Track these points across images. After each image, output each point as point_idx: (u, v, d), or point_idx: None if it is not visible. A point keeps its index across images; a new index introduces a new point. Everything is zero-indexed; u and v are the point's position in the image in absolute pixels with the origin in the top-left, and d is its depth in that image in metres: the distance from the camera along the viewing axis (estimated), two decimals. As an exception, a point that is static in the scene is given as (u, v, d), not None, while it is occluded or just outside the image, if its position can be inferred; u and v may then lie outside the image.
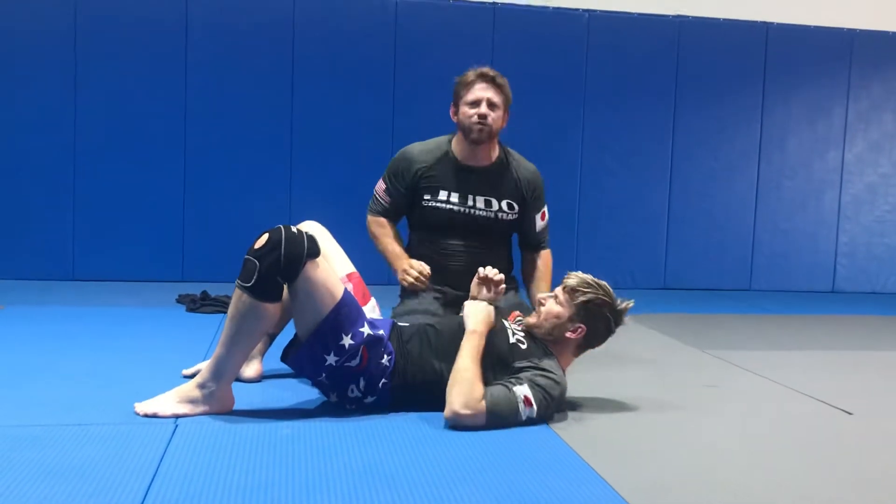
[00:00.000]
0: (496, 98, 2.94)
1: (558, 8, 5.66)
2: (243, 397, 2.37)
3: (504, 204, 3.03)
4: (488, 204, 3.01)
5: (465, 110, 2.94)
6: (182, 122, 5.20)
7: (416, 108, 5.47)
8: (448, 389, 2.24)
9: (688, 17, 5.82)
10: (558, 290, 2.43)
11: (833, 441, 2.34)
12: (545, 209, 3.14)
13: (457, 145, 3.03)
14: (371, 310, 2.56)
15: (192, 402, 2.23)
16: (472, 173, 3.00)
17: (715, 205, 5.97)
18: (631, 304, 2.43)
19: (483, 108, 2.91)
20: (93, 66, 5.08)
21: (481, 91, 2.93)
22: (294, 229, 2.21)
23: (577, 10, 5.68)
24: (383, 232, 3.08)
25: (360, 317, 2.29)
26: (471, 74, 2.97)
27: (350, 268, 2.64)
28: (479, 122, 2.91)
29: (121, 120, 5.13)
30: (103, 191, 5.13)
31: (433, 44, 5.47)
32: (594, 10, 5.69)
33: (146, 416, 2.20)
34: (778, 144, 6.01)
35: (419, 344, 2.40)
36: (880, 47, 6.06)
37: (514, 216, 3.06)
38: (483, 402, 2.20)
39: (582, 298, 2.36)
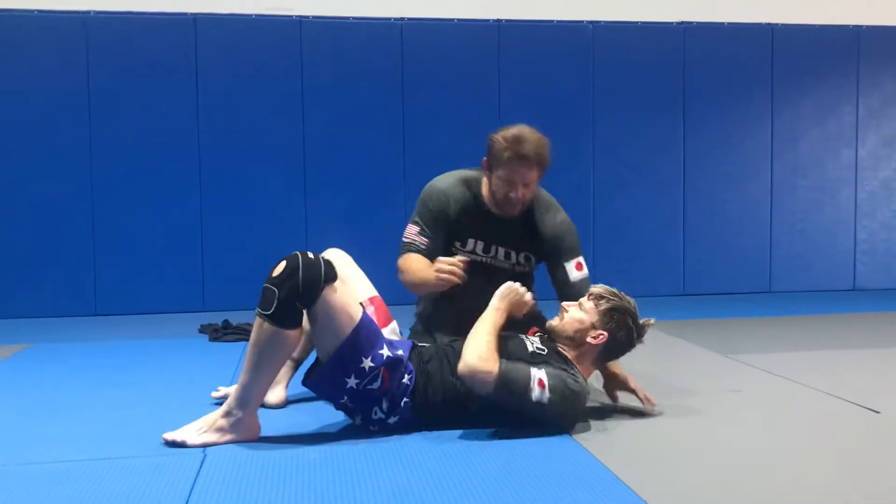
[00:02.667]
0: (532, 176, 2.68)
1: (562, 21, 5.70)
2: (269, 424, 2.39)
3: (521, 256, 2.86)
4: (507, 255, 2.85)
5: (498, 183, 2.69)
6: (196, 155, 5.26)
7: (427, 127, 5.51)
8: (464, 348, 2.30)
9: (692, 23, 5.83)
10: (583, 298, 2.50)
11: (861, 441, 2.32)
12: (580, 259, 2.81)
13: (486, 192, 2.80)
14: (391, 332, 2.58)
15: (220, 430, 2.25)
16: (497, 222, 2.80)
17: (729, 209, 5.96)
18: (652, 322, 2.49)
19: (518, 193, 2.68)
20: (106, 104, 5.15)
21: (518, 175, 2.66)
22: (310, 255, 2.22)
23: (580, 21, 5.71)
24: (408, 262, 2.73)
25: (378, 339, 2.31)
26: (507, 150, 2.63)
27: (372, 292, 2.67)
28: (510, 202, 2.71)
29: (136, 156, 5.19)
30: (122, 227, 5.19)
31: (440, 63, 5.52)
32: (598, 21, 5.72)
33: (174, 445, 2.22)
34: (790, 145, 6.00)
35: (439, 363, 2.41)
36: (888, 42, 6.05)
37: (530, 268, 2.93)
38: (497, 363, 2.24)
39: (606, 306, 2.43)
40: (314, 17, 5.40)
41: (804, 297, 5.78)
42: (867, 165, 6.10)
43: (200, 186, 5.28)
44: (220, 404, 2.37)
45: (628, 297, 2.48)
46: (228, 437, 2.25)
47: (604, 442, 2.26)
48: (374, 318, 2.44)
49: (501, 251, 2.83)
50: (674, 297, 5.82)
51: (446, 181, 2.82)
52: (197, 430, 2.26)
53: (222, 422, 2.26)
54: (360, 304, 2.39)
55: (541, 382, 2.25)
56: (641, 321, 2.46)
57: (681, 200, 5.89)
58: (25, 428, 2.48)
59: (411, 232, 2.77)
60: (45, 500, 1.84)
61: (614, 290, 2.48)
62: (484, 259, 2.84)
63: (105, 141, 5.16)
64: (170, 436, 2.25)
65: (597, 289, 2.49)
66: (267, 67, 5.34)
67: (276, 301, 2.17)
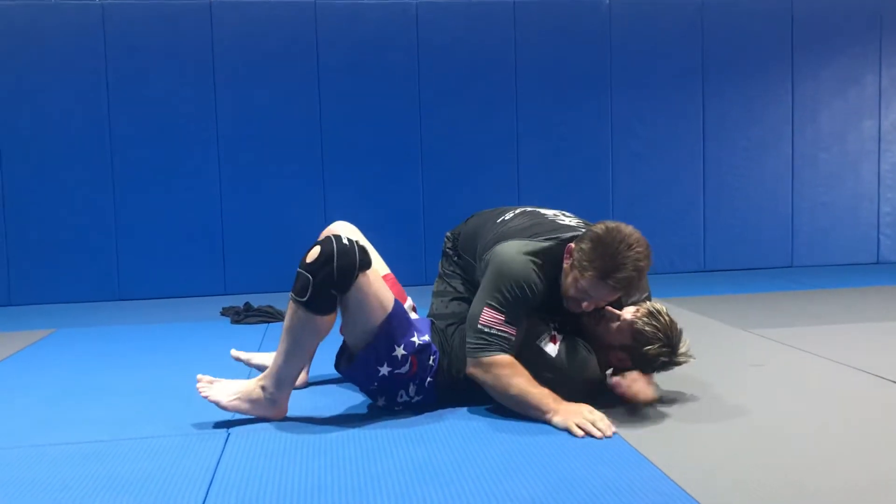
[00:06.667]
0: (613, 298, 2.31)
1: (578, -3, 5.65)
2: (291, 404, 2.40)
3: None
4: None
5: (570, 289, 2.29)
6: (214, 139, 5.29)
7: (443, 107, 5.50)
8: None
9: (710, -5, 5.76)
10: (627, 317, 2.31)
11: (885, 412, 2.31)
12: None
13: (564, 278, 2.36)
14: (409, 309, 2.59)
15: (253, 402, 2.29)
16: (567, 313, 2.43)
17: (750, 183, 5.90)
18: (689, 361, 2.31)
19: (588, 306, 2.30)
20: (124, 90, 5.17)
21: (603, 298, 2.28)
22: (345, 240, 2.19)
23: (597, -3, 5.66)
24: (516, 370, 2.26)
25: (409, 326, 2.32)
26: (612, 280, 2.19)
27: (385, 269, 2.67)
28: (575, 305, 2.32)
29: (155, 142, 5.22)
30: (143, 212, 5.23)
31: (455, 43, 5.50)
32: (615, -4, 5.67)
33: (207, 397, 2.26)
34: (811, 118, 5.93)
35: (460, 340, 2.42)
36: (911, 11, 5.95)
37: None
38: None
39: (646, 348, 2.26)
40: (329, -2, 5.40)
41: (827, 271, 5.73)
42: (891, 137, 6.02)
43: (219, 170, 5.31)
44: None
45: (675, 334, 2.26)
46: (259, 411, 2.29)
47: (626, 418, 2.26)
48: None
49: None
50: (695, 273, 5.79)
51: (524, 267, 2.29)
52: (231, 394, 2.28)
53: (258, 394, 2.28)
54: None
55: (555, 339, 2.31)
56: (678, 357, 2.28)
57: (700, 176, 5.84)
58: (53, 410, 2.52)
59: (495, 321, 2.26)
60: (75, 479, 1.87)
61: (661, 326, 2.25)
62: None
63: (124, 127, 5.19)
64: (205, 391, 2.27)
65: (645, 326, 2.25)
66: (283, 50, 5.34)
67: (311, 288, 2.15)
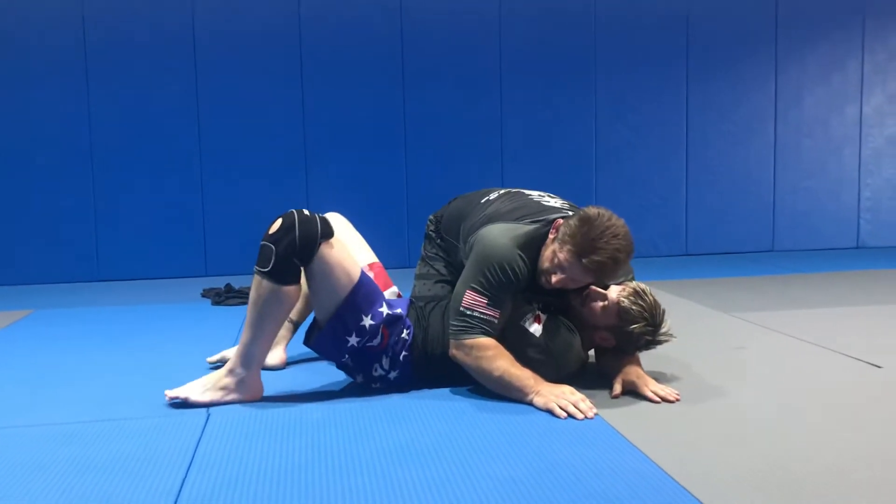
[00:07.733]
0: (587, 281, 2.31)
1: (563, -21, 5.62)
2: (271, 384, 2.40)
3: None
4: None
5: (545, 261, 2.30)
6: (196, 120, 5.23)
7: (427, 90, 5.47)
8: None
9: (695, -21, 5.75)
10: (612, 297, 2.30)
11: (864, 395, 2.33)
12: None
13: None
14: (391, 295, 2.58)
15: (223, 389, 2.27)
16: (551, 294, 2.44)
17: (733, 168, 5.93)
18: (671, 340, 2.34)
19: (558, 281, 2.29)
20: (104, 72, 5.11)
21: (575, 279, 2.28)
22: (306, 212, 2.22)
23: (582, -21, 5.63)
24: (498, 352, 2.26)
25: (378, 297, 2.32)
26: (592, 263, 2.19)
27: (372, 258, 2.67)
28: (546, 278, 2.32)
29: (135, 122, 5.16)
30: (122, 192, 5.18)
31: (440, 26, 5.46)
32: (600, -21, 5.64)
33: (177, 402, 2.23)
34: (794, 103, 5.95)
35: (439, 318, 2.42)
36: (894, -3, 5.97)
37: None
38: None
39: (631, 327, 2.27)
40: (312, -23, 5.34)
41: (808, 255, 5.77)
42: (872, 123, 6.05)
43: (201, 151, 5.26)
44: (217, 368, 2.38)
45: (659, 312, 2.29)
46: (232, 396, 2.27)
47: (608, 400, 2.26)
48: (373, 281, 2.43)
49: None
50: (677, 257, 5.81)
51: (509, 251, 2.29)
52: (201, 388, 2.27)
53: (226, 380, 2.27)
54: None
55: (538, 318, 2.31)
56: (660, 336, 2.30)
57: (683, 159, 5.86)
58: (31, 391, 2.49)
59: (477, 303, 2.25)
60: (55, 460, 1.85)
61: (645, 306, 2.26)
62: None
63: (104, 106, 5.13)
64: (173, 392, 2.26)
65: (631, 305, 2.26)
66: (265, 33, 5.28)
67: (273, 258, 2.16)
